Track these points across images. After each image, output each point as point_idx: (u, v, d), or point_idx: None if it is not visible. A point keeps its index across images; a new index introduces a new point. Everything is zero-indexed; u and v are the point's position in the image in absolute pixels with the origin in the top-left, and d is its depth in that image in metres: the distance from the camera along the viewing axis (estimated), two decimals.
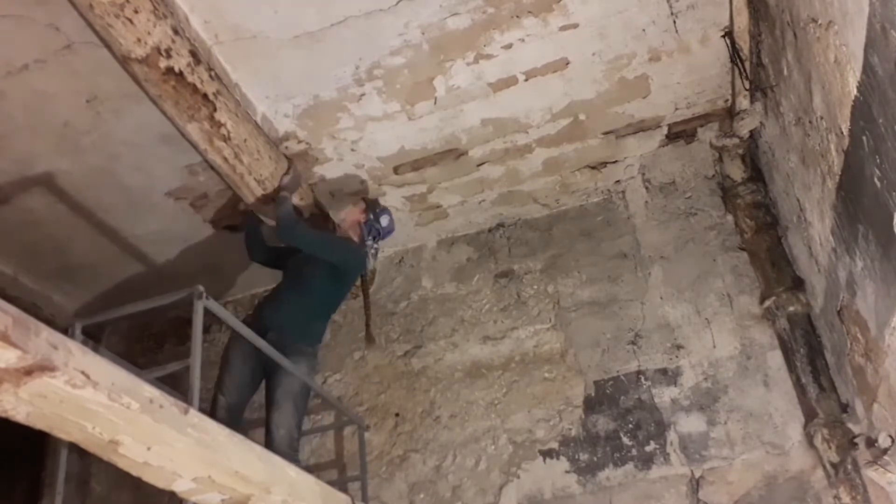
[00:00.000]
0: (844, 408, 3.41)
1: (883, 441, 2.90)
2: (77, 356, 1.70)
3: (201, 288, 2.64)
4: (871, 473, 3.08)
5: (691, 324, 3.94)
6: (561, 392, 3.97)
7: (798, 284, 3.70)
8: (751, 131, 3.84)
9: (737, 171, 4.08)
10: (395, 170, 4.01)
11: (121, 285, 4.59)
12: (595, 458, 3.76)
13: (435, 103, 3.58)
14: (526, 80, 3.52)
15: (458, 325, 4.34)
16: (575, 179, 4.30)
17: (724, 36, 3.42)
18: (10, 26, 2.82)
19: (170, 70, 2.82)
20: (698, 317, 3.95)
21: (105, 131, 3.43)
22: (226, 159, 3.28)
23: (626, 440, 3.77)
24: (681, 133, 4.08)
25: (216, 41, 3.08)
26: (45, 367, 1.59)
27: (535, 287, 4.32)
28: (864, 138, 2.18)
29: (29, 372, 1.57)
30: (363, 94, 3.46)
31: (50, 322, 1.70)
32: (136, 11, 2.60)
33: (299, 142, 3.69)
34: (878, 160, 2.10)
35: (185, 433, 2.08)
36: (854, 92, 2.14)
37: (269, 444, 3.07)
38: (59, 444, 2.74)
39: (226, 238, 4.23)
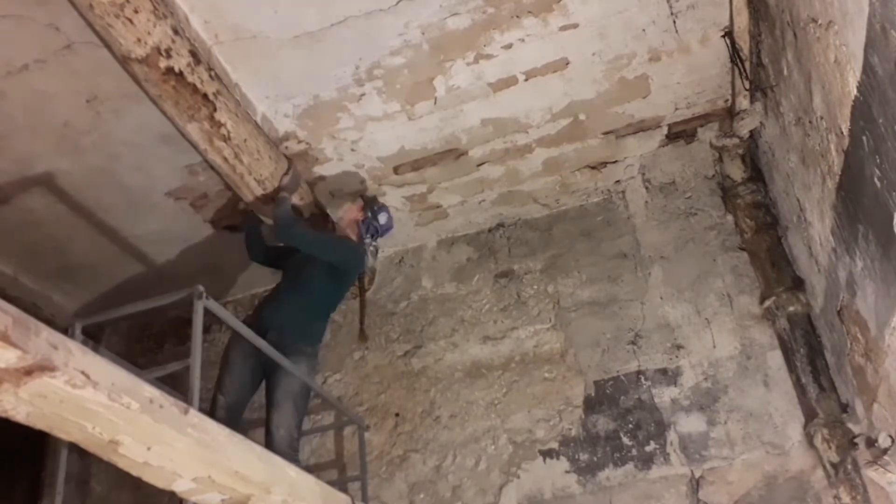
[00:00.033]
0: (844, 408, 3.41)
1: (883, 441, 2.90)
2: (77, 356, 1.70)
3: (201, 288, 2.64)
4: (871, 473, 3.08)
5: (691, 324, 3.94)
6: (561, 392, 3.97)
7: (798, 284, 3.70)
8: (751, 131, 3.84)
9: (737, 171, 4.08)
10: (395, 170, 4.01)
11: (121, 285, 4.60)
12: (595, 458, 3.76)
13: (435, 103, 3.58)
14: (526, 80, 3.52)
15: (458, 325, 4.34)
16: (575, 179, 4.30)
17: (724, 36, 3.42)
18: (10, 26, 2.83)
19: (170, 70, 2.82)
20: (698, 317, 3.95)
21: (105, 131, 3.43)
22: (226, 159, 3.28)
23: (626, 440, 3.77)
24: (681, 133, 4.08)
25: (216, 41, 3.08)
26: (45, 367, 1.59)
27: (535, 287, 4.32)
28: (864, 138, 2.18)
29: (29, 372, 1.57)
30: (363, 94, 3.46)
31: (50, 322, 1.70)
32: (136, 11, 2.60)
33: (299, 142, 3.69)
34: (878, 160, 2.10)
35: (185, 433, 2.08)
36: (854, 92, 2.14)
37: (268, 444, 3.07)
38: (59, 444, 2.74)
39: (226, 238, 4.23)
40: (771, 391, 3.66)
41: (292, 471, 2.74)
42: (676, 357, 3.88)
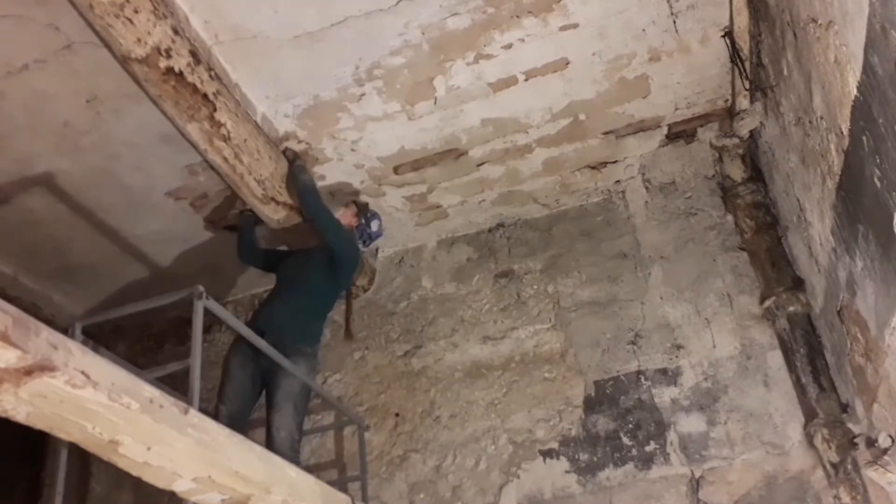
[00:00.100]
0: (844, 408, 3.41)
1: (883, 441, 2.90)
2: (77, 356, 1.70)
3: (201, 288, 2.64)
4: (871, 473, 3.08)
5: (691, 324, 3.94)
6: (561, 392, 3.97)
7: (798, 284, 3.70)
8: (751, 131, 3.84)
9: (737, 171, 4.08)
10: (395, 170, 4.01)
11: (121, 285, 4.60)
12: (595, 458, 3.77)
13: (435, 103, 3.58)
14: (526, 80, 3.52)
15: (458, 325, 4.34)
16: (575, 179, 4.30)
17: (724, 36, 3.42)
18: (10, 26, 2.83)
19: (170, 70, 2.82)
20: (698, 317, 3.95)
21: (105, 131, 3.43)
22: (226, 159, 3.28)
23: (626, 440, 3.77)
24: (681, 133, 4.08)
25: (216, 41, 3.08)
26: (45, 367, 1.59)
27: (535, 287, 4.32)
28: (864, 138, 2.18)
29: (29, 372, 1.57)
30: (363, 94, 3.46)
31: (50, 322, 1.70)
32: (136, 11, 2.60)
33: (299, 142, 3.69)
34: (878, 160, 2.10)
35: (185, 433, 2.08)
36: (854, 92, 2.14)
37: (269, 446, 3.06)
38: (59, 444, 2.74)
39: (226, 238, 4.23)
40: (771, 391, 3.66)
41: (292, 471, 2.74)
42: (676, 357, 3.88)
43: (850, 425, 3.37)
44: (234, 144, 3.24)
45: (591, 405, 3.90)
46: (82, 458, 3.82)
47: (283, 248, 4.10)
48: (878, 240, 2.32)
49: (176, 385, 2.64)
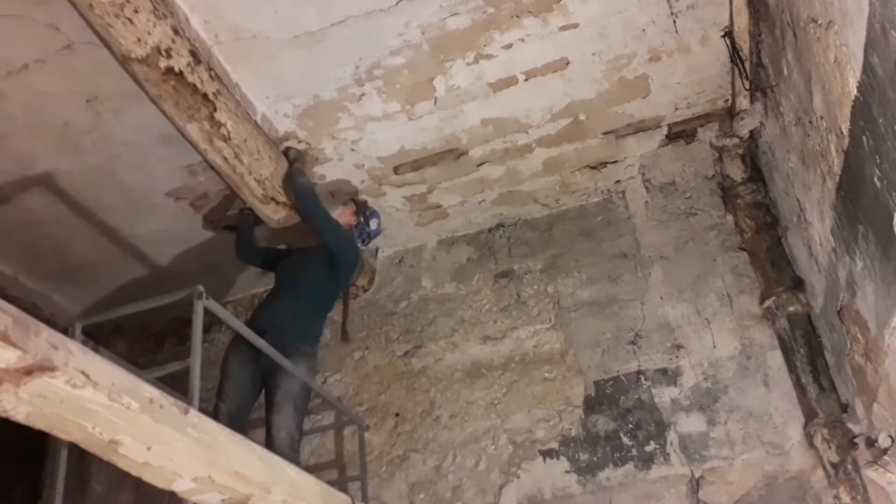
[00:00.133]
0: (844, 408, 3.41)
1: (883, 441, 2.90)
2: (77, 356, 1.70)
3: (201, 288, 2.64)
4: (871, 473, 3.08)
5: (691, 324, 3.94)
6: (561, 392, 3.97)
7: (798, 284, 3.70)
8: (751, 131, 3.84)
9: (737, 171, 4.08)
10: (395, 170, 4.01)
11: (121, 285, 4.60)
12: (595, 458, 3.77)
13: (435, 103, 3.58)
14: (526, 80, 3.52)
15: (458, 325, 4.34)
16: (575, 179, 4.30)
17: (724, 36, 3.42)
18: (10, 26, 2.83)
19: (170, 70, 2.82)
20: (698, 317, 3.95)
21: (105, 131, 3.43)
22: (226, 159, 3.28)
23: (626, 440, 3.77)
24: (681, 133, 4.08)
25: (216, 41, 3.08)
26: (45, 367, 1.59)
27: (535, 287, 4.32)
28: (864, 138, 2.18)
29: (29, 372, 1.57)
30: (363, 94, 3.46)
31: (50, 322, 1.70)
32: (136, 11, 2.60)
33: (299, 142, 3.69)
34: (878, 160, 2.10)
35: (185, 433, 2.08)
36: (854, 92, 2.14)
37: (269, 446, 3.06)
38: (59, 444, 2.74)
39: (226, 238, 4.23)
40: (771, 391, 3.66)
41: (292, 471, 2.74)
42: (676, 357, 3.88)
43: (850, 425, 3.37)
44: (234, 144, 3.24)
45: (591, 405, 3.90)
46: (82, 458, 3.81)
47: (283, 247, 4.10)
48: (878, 240, 2.32)
49: (176, 385, 2.64)
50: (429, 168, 4.03)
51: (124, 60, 2.77)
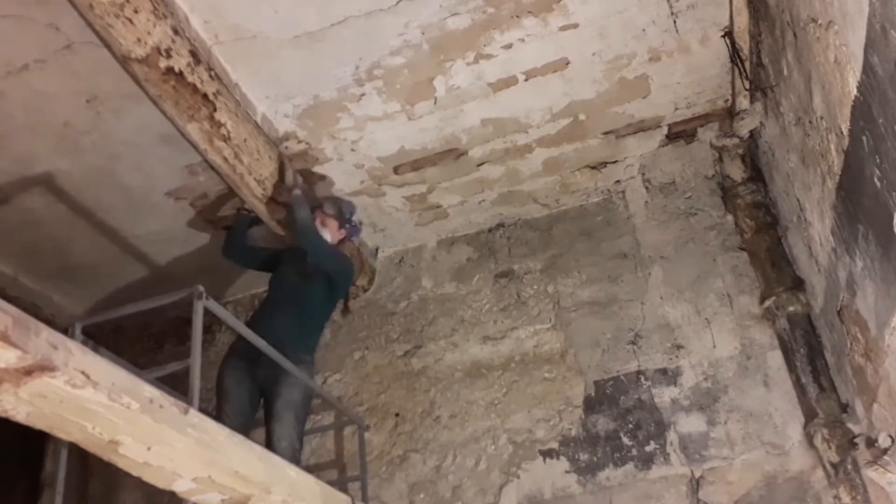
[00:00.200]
0: (844, 408, 3.41)
1: (883, 441, 2.90)
2: (77, 356, 1.70)
3: (201, 288, 2.64)
4: (871, 473, 3.08)
5: (691, 324, 3.94)
6: (561, 392, 3.97)
7: (798, 284, 3.70)
8: (751, 131, 3.84)
9: (737, 171, 4.08)
10: (395, 170, 4.01)
11: (121, 285, 4.60)
12: (595, 458, 3.76)
13: (435, 103, 3.58)
14: (526, 80, 3.52)
15: (458, 325, 4.34)
16: (575, 179, 4.30)
17: (724, 36, 3.42)
18: (10, 26, 2.82)
19: (170, 70, 2.82)
20: (698, 317, 3.95)
21: (105, 131, 3.43)
22: (226, 159, 3.28)
23: (626, 440, 3.77)
24: (681, 133, 4.08)
25: (216, 41, 3.08)
26: (45, 367, 1.59)
27: (535, 287, 4.32)
28: (864, 138, 2.18)
29: (29, 372, 1.57)
30: (363, 94, 3.46)
31: (50, 322, 1.70)
32: (136, 11, 2.60)
33: (299, 142, 3.69)
34: (878, 160, 2.10)
35: (185, 433, 2.08)
36: (854, 92, 2.14)
37: None
38: (59, 444, 2.74)
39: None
40: (771, 391, 3.66)
41: (292, 471, 2.74)
42: (676, 357, 3.88)
43: (850, 425, 3.37)
44: (234, 144, 3.24)
45: (591, 405, 3.90)
46: (82, 458, 3.81)
47: (282, 247, 4.09)
48: (878, 240, 2.32)
49: (176, 385, 2.64)
50: (429, 168, 4.02)
51: (124, 60, 2.77)
